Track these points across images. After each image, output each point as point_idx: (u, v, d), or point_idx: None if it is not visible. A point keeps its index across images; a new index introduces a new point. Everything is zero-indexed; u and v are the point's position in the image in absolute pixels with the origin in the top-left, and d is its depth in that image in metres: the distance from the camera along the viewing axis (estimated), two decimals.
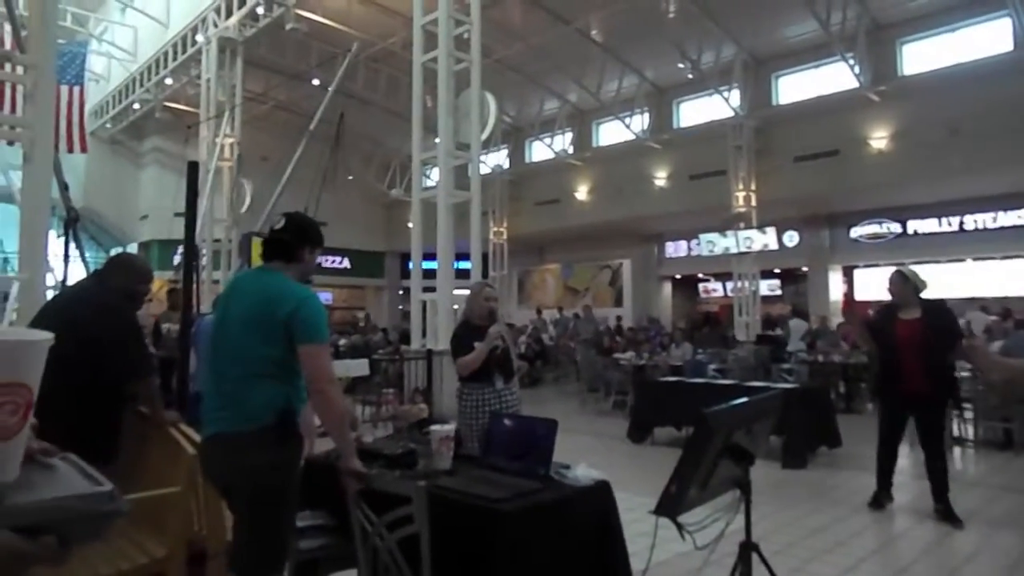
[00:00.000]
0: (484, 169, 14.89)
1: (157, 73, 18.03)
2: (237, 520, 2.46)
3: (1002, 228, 14.11)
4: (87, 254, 11.76)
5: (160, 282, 11.85)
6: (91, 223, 19.02)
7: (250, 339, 2.41)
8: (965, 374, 7.91)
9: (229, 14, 15.14)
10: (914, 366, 4.94)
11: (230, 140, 15.90)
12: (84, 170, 19.56)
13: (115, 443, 3.21)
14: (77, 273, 7.89)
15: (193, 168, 4.72)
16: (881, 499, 5.29)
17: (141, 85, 18.79)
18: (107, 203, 20.92)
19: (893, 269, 5.40)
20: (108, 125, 20.96)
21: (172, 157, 19.60)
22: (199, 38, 16.02)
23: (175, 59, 17.19)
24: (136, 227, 21.40)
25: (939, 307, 5.26)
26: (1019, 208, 13.83)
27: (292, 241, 2.57)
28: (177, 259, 15.08)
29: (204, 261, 14.36)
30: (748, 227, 15.34)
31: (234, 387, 2.42)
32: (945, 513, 4.91)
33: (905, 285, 5.16)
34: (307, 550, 2.81)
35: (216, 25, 15.42)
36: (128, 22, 19.77)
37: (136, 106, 19.51)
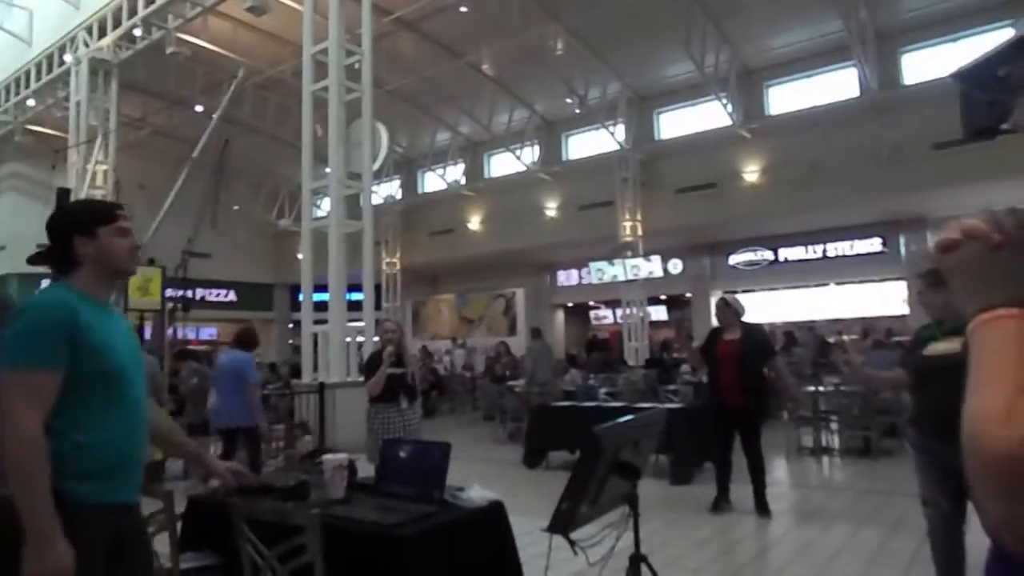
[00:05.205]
0: (376, 199, 14.81)
1: (17, 93, 16.81)
2: None
3: (858, 255, 15.47)
4: None
5: None
6: None
7: None
8: (830, 388, 8.61)
9: (103, 34, 14.35)
10: (731, 380, 5.63)
11: (103, 167, 14.96)
12: None
13: None
14: None
15: (64, 195, 4.45)
16: (720, 504, 5.77)
17: None
18: None
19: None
20: None
21: (35, 184, 18.15)
22: (68, 58, 15.07)
23: (39, 79, 16.10)
24: None
25: (756, 329, 6.05)
26: (872, 237, 15.24)
27: (57, 245, 1.98)
28: None
29: None
30: (635, 255, 16.00)
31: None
32: (760, 508, 5.64)
33: (727, 310, 5.93)
34: None
35: (87, 45, 14.58)
36: None
37: None
